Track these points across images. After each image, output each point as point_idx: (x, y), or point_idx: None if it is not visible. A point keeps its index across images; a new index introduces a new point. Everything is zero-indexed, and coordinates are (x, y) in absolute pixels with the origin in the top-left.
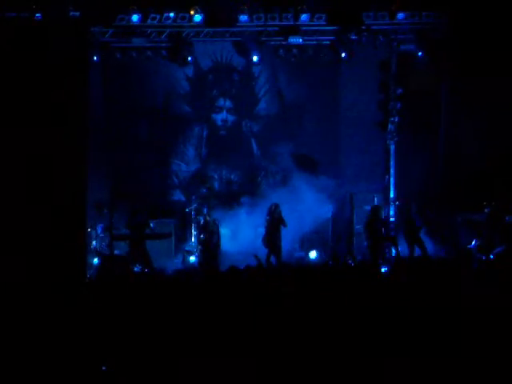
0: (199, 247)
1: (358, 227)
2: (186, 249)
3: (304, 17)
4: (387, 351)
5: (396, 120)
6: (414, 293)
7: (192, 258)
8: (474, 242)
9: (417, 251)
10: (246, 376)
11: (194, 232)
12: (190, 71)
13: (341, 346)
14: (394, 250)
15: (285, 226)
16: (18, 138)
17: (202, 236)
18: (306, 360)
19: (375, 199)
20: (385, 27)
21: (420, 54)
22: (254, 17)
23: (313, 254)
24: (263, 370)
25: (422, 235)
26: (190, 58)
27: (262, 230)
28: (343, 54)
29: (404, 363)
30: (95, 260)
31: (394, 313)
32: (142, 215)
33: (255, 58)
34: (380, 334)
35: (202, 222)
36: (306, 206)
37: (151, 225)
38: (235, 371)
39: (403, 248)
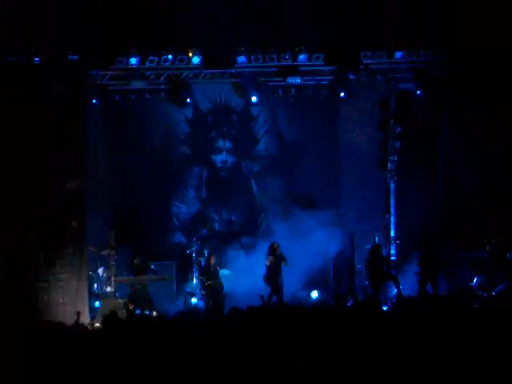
0: (201, 290)
1: (360, 266)
2: (188, 290)
3: (302, 57)
4: None
5: (395, 159)
6: (416, 331)
7: (194, 300)
8: (475, 280)
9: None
10: None
11: (195, 274)
12: (189, 113)
13: None
14: (395, 289)
15: (285, 264)
16: (18, 181)
17: (203, 279)
18: None
19: (376, 238)
20: (383, 66)
21: (418, 92)
22: (252, 58)
23: (314, 294)
24: None
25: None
26: (188, 100)
27: (263, 270)
28: (342, 94)
29: None
30: (97, 303)
31: (396, 352)
32: (142, 258)
33: (254, 99)
34: (381, 374)
35: (202, 264)
36: (307, 246)
37: (152, 267)
38: None
39: (405, 286)
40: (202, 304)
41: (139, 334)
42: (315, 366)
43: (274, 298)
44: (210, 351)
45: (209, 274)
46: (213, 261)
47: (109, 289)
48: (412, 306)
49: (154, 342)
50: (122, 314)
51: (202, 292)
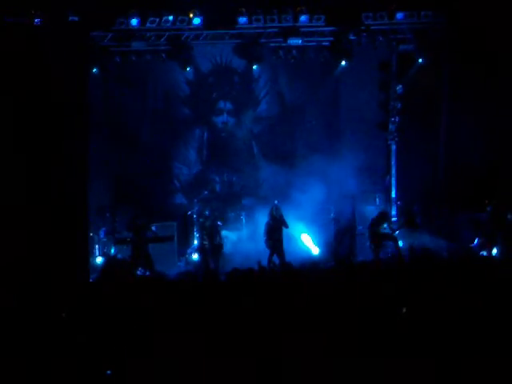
0: (200, 250)
1: (360, 228)
2: (189, 251)
3: (303, 18)
4: (390, 351)
5: (397, 120)
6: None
7: (195, 256)
8: (476, 241)
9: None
10: (247, 377)
11: (196, 235)
12: (189, 74)
13: (345, 345)
14: (395, 248)
15: (286, 226)
16: (19, 143)
17: (204, 238)
18: (305, 360)
19: (377, 199)
20: (384, 27)
21: (420, 53)
22: (253, 18)
23: (316, 251)
24: (264, 372)
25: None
26: (189, 61)
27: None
28: (343, 55)
29: (405, 363)
30: (98, 260)
31: (398, 311)
32: (142, 218)
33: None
34: (386, 335)
35: (203, 224)
36: (308, 207)
37: (153, 228)
38: (237, 372)
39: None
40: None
41: (139, 293)
42: (315, 327)
43: (275, 259)
44: (208, 312)
45: (208, 235)
46: (212, 222)
47: (110, 249)
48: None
49: (154, 302)
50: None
51: (200, 252)
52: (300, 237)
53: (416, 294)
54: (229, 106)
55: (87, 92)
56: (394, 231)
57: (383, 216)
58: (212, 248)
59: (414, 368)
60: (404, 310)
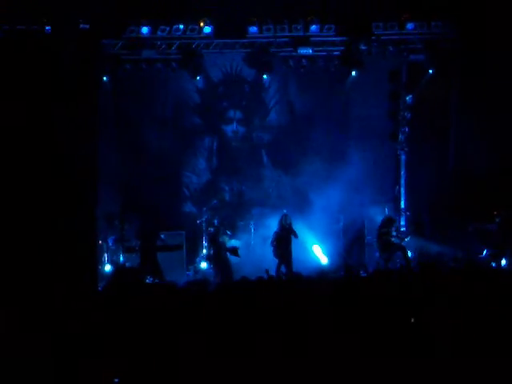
0: (210, 260)
1: (369, 238)
2: (197, 260)
3: (314, 28)
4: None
5: (406, 130)
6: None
7: (203, 265)
8: (485, 252)
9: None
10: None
11: (205, 244)
12: (200, 83)
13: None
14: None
15: (295, 236)
16: (29, 150)
17: (211, 249)
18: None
19: (386, 210)
20: (394, 37)
21: (430, 63)
22: (264, 28)
23: (325, 261)
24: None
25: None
26: (199, 70)
27: (272, 241)
28: (353, 65)
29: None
30: (107, 268)
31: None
32: (151, 226)
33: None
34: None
35: (212, 233)
36: (317, 217)
37: (162, 236)
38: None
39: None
40: (210, 271)
41: (147, 301)
42: (325, 337)
43: (283, 269)
44: (216, 320)
45: (217, 245)
46: (221, 231)
47: (119, 258)
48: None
49: (162, 311)
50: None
51: (211, 262)
52: (309, 247)
53: (425, 303)
54: (239, 114)
55: (97, 100)
56: (403, 239)
57: (389, 221)
58: (222, 257)
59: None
60: (412, 320)
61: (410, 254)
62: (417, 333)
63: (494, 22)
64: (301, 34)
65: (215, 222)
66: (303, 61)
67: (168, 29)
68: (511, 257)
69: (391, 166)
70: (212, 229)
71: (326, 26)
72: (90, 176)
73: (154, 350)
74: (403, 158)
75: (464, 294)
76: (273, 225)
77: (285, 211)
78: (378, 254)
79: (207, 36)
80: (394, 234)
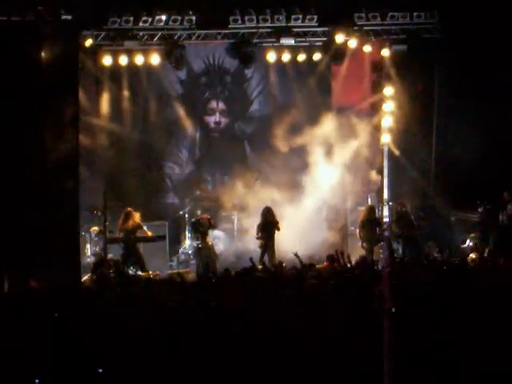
0: (193, 251)
1: (352, 228)
2: (180, 251)
3: (296, 18)
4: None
5: (390, 120)
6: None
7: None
8: (468, 242)
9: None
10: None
11: (188, 234)
12: (182, 74)
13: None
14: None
15: (278, 229)
16: (10, 140)
17: (196, 240)
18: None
19: (369, 200)
20: (376, 28)
21: (412, 54)
22: (246, 18)
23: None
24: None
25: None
26: (182, 61)
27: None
28: (335, 55)
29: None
30: (90, 260)
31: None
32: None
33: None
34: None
35: (195, 224)
36: (300, 208)
37: (145, 227)
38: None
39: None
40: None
41: (129, 293)
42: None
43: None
44: (201, 312)
45: (200, 236)
46: (204, 222)
47: (98, 249)
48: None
49: (144, 302)
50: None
51: (193, 253)
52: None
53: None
54: (221, 105)
55: (78, 91)
56: (399, 236)
57: (368, 211)
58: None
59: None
60: (394, 310)
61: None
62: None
63: (477, 10)
64: (283, 24)
65: (198, 212)
66: (285, 51)
67: (150, 19)
68: (493, 246)
69: (375, 155)
70: (194, 219)
71: (308, 17)
72: (71, 167)
73: (136, 340)
74: (386, 148)
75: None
76: (256, 216)
77: (268, 202)
78: (360, 244)
79: (189, 27)
80: (378, 224)
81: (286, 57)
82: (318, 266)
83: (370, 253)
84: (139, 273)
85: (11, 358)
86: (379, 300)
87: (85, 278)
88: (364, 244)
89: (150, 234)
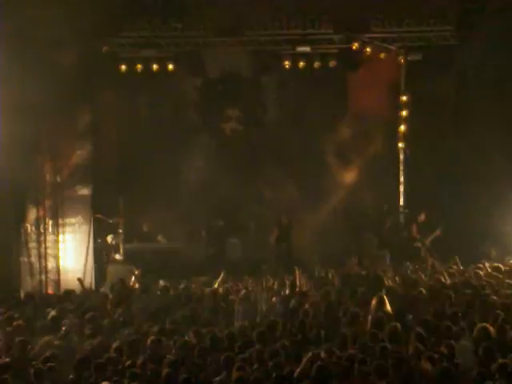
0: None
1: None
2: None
3: (312, 26)
4: None
5: (406, 127)
6: None
7: None
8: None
9: None
10: None
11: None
12: (198, 81)
13: None
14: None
15: (289, 240)
16: (26, 148)
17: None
18: None
19: (384, 206)
20: (392, 35)
21: (428, 62)
22: (262, 26)
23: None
24: None
25: None
26: (198, 68)
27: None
28: (351, 63)
29: None
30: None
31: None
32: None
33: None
34: None
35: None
36: (316, 215)
37: (160, 236)
38: None
39: None
40: None
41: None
42: None
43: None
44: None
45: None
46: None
47: (117, 256)
48: None
49: (160, 311)
50: (131, 281)
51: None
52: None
53: None
54: (237, 113)
55: (96, 97)
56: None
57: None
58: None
59: None
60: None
61: None
62: None
63: (494, 19)
64: (299, 32)
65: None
66: (301, 59)
67: (166, 27)
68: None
69: (390, 162)
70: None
71: (324, 25)
72: (88, 175)
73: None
74: (401, 156)
75: None
76: (272, 223)
77: (284, 210)
78: None
79: (206, 35)
80: None
81: (302, 64)
82: None
83: None
84: None
85: None
86: None
87: None
88: None
89: None
